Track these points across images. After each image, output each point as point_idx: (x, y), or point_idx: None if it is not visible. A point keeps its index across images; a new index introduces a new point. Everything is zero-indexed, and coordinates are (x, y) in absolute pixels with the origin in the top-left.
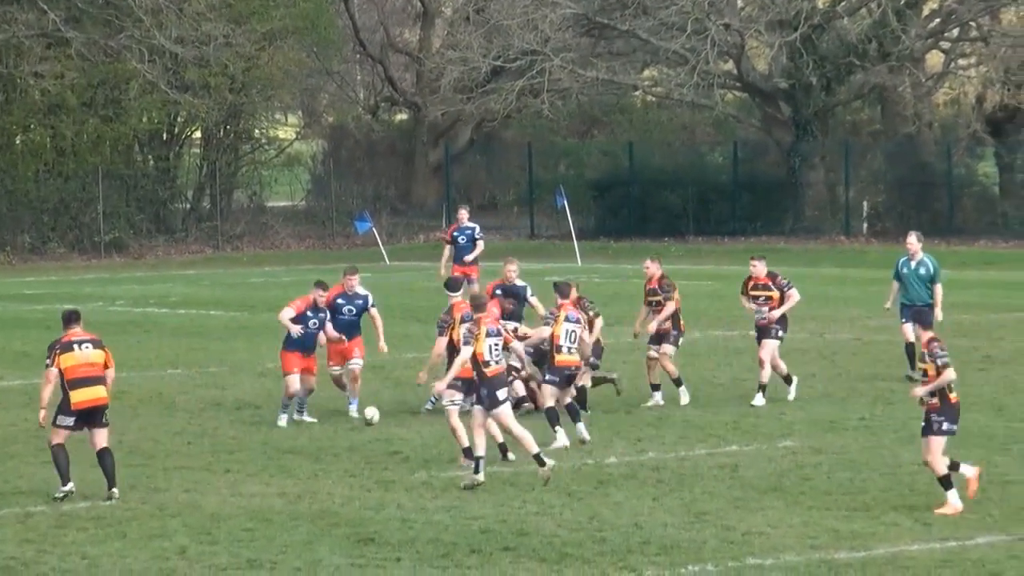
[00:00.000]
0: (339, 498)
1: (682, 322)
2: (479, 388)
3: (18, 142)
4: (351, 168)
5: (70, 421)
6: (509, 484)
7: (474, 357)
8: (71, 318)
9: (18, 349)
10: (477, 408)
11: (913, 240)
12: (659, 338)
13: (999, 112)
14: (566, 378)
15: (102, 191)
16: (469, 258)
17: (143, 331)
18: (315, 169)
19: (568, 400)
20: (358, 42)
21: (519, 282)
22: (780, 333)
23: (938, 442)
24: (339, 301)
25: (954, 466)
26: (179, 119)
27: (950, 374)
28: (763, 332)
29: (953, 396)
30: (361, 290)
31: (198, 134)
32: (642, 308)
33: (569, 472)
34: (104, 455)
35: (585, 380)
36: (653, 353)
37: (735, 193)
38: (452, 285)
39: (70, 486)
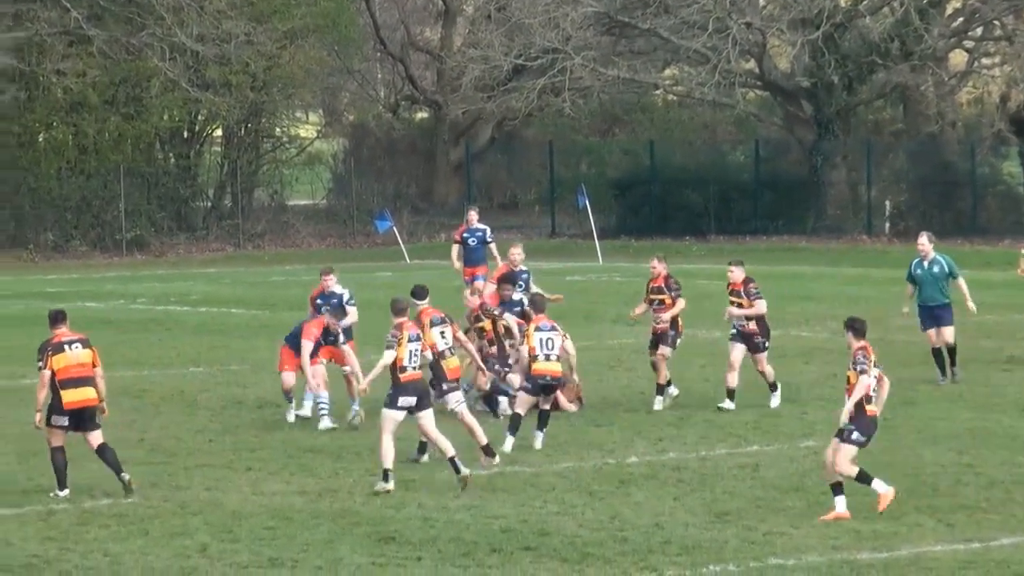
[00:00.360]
0: (360, 497)
1: (681, 324)
2: (392, 392)
3: (41, 140)
4: (372, 167)
5: (65, 421)
6: (530, 484)
7: (393, 363)
8: (58, 318)
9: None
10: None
11: (924, 241)
12: (657, 340)
13: (1023, 111)
14: (540, 387)
15: (124, 189)
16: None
17: (164, 329)
18: (336, 168)
19: (545, 407)
20: (379, 40)
21: (522, 268)
22: (766, 343)
23: (847, 449)
24: (318, 302)
25: (864, 478)
26: (200, 117)
27: (863, 381)
28: (746, 340)
29: (870, 408)
30: (338, 288)
31: (219, 132)
32: (641, 304)
33: (590, 472)
34: (103, 450)
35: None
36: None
37: (757, 192)
38: (419, 293)
39: (66, 492)
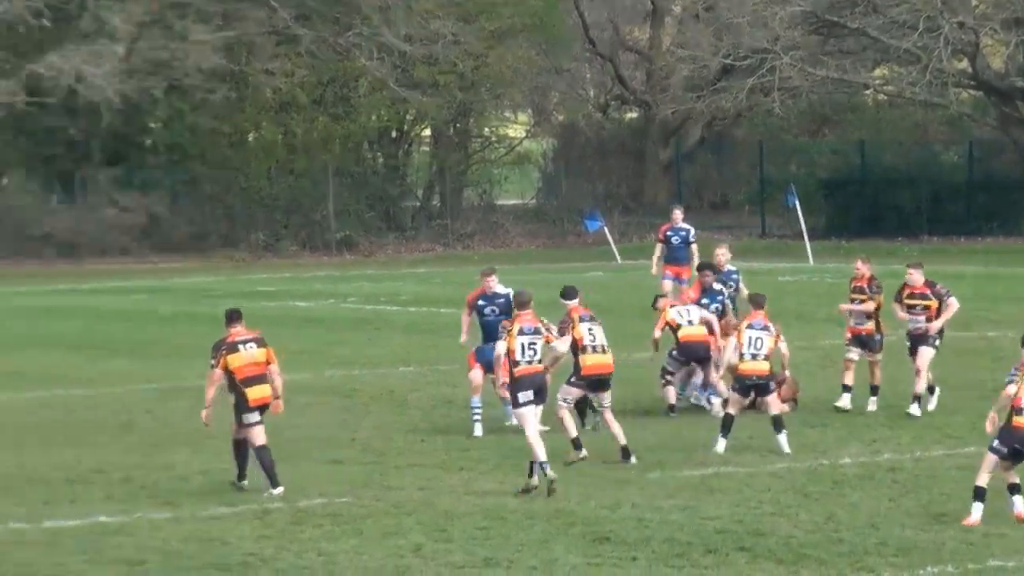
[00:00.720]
0: (574, 497)
1: (883, 325)
2: (510, 387)
3: (251, 140)
4: (581, 166)
5: (256, 416)
6: (744, 485)
7: (507, 355)
8: (233, 317)
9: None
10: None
11: None
12: (862, 342)
13: None
14: (748, 387)
15: (333, 189)
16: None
17: (374, 328)
18: (545, 167)
19: (774, 412)
20: (588, 40)
21: (731, 268)
22: (936, 342)
23: (987, 458)
24: (480, 303)
25: (977, 493)
26: (408, 117)
27: (1008, 391)
28: (919, 340)
29: (1018, 420)
30: (501, 289)
31: (428, 132)
32: (845, 305)
33: (804, 473)
34: (262, 452)
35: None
36: (853, 356)
37: (970, 193)
38: (568, 293)
39: (245, 483)
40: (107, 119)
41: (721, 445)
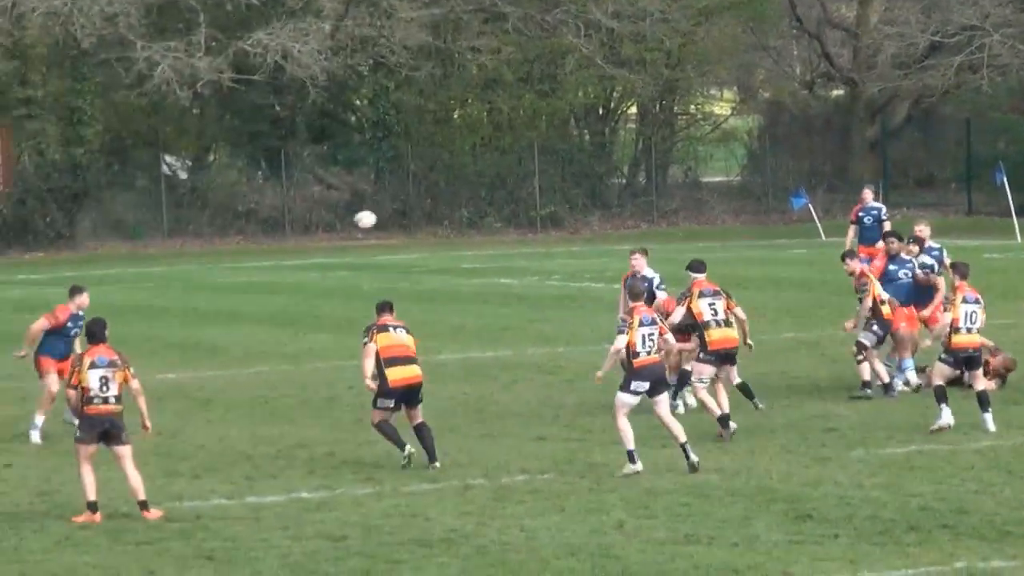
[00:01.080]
0: (776, 474)
1: None
2: (626, 377)
3: (456, 117)
4: (787, 144)
5: (390, 403)
6: (947, 463)
7: (627, 347)
8: (384, 307)
9: (456, 323)
10: (620, 398)
11: None
12: None
13: None
14: (961, 360)
15: (538, 166)
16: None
17: (579, 306)
18: (751, 145)
19: (979, 388)
20: (795, 17)
21: (932, 244)
22: None
23: None
24: (630, 282)
25: None
26: (615, 94)
27: None
28: None
29: None
30: (648, 272)
31: (634, 109)
32: None
33: (1009, 451)
34: (421, 429)
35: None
36: None
37: None
38: (696, 267)
39: (408, 448)
40: (313, 96)
41: (946, 414)
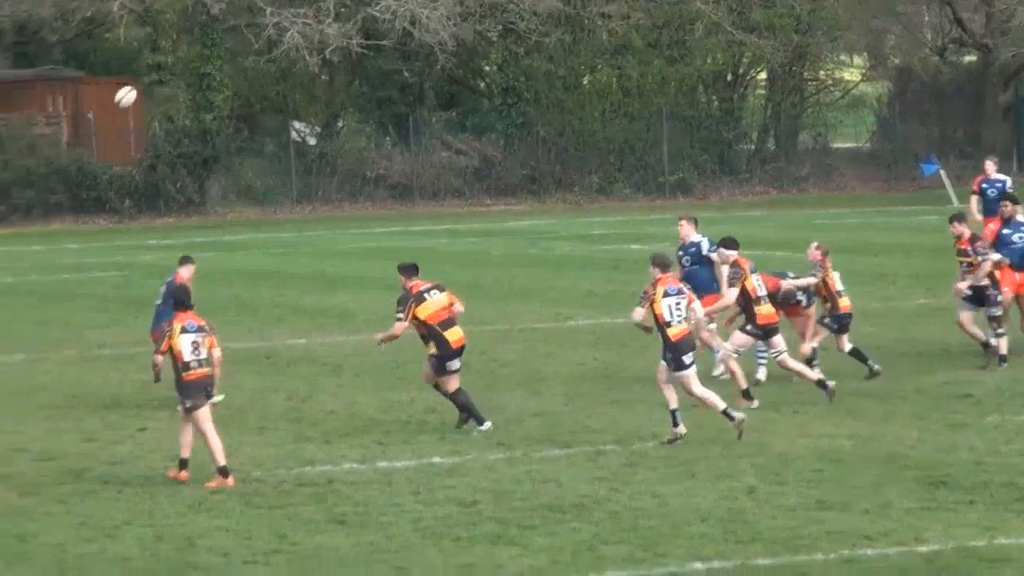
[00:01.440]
0: (909, 441)
1: None
2: (664, 350)
3: (585, 83)
4: (917, 110)
5: (457, 364)
6: None
7: (656, 319)
8: (412, 270)
9: (586, 289)
10: (661, 365)
11: None
12: None
13: None
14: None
15: (667, 132)
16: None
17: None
18: (880, 111)
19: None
20: None
21: (998, 177)
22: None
23: None
24: (679, 252)
25: None
26: (744, 60)
27: None
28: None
29: None
30: (695, 237)
31: (763, 75)
32: None
33: None
34: (458, 394)
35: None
36: None
37: None
38: (730, 244)
39: (487, 425)
40: (441, 62)
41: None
